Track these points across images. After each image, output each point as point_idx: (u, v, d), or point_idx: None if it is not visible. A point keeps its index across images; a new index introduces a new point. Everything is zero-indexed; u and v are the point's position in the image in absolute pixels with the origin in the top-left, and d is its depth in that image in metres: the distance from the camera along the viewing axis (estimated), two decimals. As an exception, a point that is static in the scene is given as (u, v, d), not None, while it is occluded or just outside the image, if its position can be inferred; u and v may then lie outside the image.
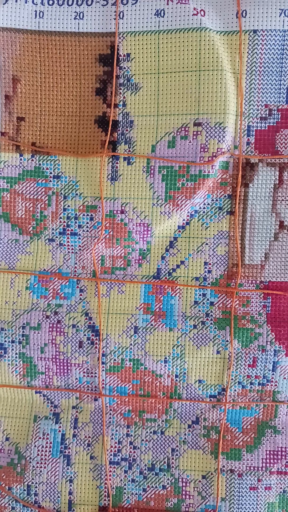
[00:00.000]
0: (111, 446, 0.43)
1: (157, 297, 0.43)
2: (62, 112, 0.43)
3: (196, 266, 0.43)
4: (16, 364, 0.44)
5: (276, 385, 0.42)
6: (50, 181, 0.43)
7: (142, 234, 0.42)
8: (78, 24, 0.41)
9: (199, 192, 0.41)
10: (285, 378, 0.42)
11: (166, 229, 0.43)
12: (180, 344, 0.43)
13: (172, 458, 0.43)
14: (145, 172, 0.42)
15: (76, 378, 0.43)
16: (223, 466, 0.42)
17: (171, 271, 0.43)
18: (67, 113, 0.43)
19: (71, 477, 0.43)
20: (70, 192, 0.43)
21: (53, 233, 0.43)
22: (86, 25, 0.41)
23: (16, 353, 0.44)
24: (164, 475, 0.42)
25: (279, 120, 0.41)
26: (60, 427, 0.43)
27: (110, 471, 0.43)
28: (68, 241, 0.43)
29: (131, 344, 0.43)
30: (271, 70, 0.40)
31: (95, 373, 0.43)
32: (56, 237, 0.43)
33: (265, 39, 0.40)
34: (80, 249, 0.43)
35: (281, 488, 0.42)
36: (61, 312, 0.43)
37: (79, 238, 0.43)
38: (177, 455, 0.43)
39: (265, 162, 0.41)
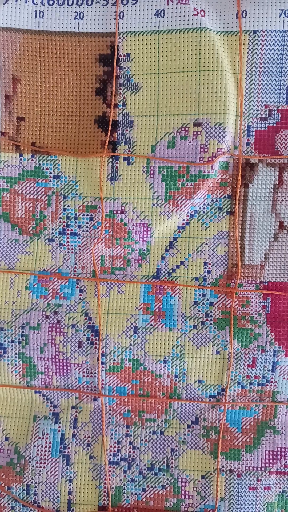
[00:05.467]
0: (111, 446, 0.43)
1: (156, 297, 0.43)
2: (62, 112, 0.43)
3: (195, 266, 0.43)
4: (15, 364, 0.44)
5: (275, 385, 0.42)
6: (50, 181, 0.43)
7: (142, 234, 0.43)
8: (78, 24, 0.41)
9: (199, 192, 0.41)
10: (284, 378, 0.42)
11: (166, 229, 0.43)
12: (180, 344, 0.43)
13: (172, 458, 0.43)
14: (145, 172, 0.42)
15: (76, 378, 0.43)
16: (223, 466, 0.42)
17: (170, 271, 0.43)
18: (67, 113, 0.43)
19: (70, 477, 0.43)
20: (70, 192, 0.43)
21: (53, 233, 0.43)
22: (86, 25, 0.41)
23: (15, 353, 0.44)
24: (164, 475, 0.43)
25: (279, 120, 0.41)
26: (59, 427, 0.43)
27: (110, 471, 0.43)
28: (68, 241, 0.43)
29: (130, 344, 0.43)
30: (271, 70, 0.40)
31: (95, 373, 0.43)
32: (56, 237, 0.43)
33: (265, 39, 0.40)
34: (80, 249, 0.43)
35: (280, 488, 0.42)
36: (60, 312, 0.43)
37: (79, 238, 0.43)
38: (176, 455, 0.43)
39: (265, 162, 0.41)
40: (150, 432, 0.43)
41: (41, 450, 0.43)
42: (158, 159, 0.41)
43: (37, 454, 0.43)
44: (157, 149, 0.41)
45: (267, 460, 0.42)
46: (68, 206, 0.43)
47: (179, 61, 0.40)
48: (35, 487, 0.43)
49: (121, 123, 0.42)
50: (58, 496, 0.43)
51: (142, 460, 0.43)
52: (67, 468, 0.43)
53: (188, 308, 0.43)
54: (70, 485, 0.43)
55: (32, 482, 0.43)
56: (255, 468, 0.42)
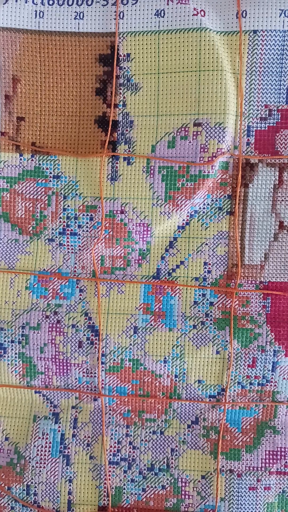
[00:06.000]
0: (111, 446, 0.43)
1: (156, 297, 0.43)
2: (62, 112, 0.43)
3: (195, 266, 0.43)
4: (15, 364, 0.44)
5: (275, 385, 0.42)
6: (50, 181, 0.43)
7: (142, 234, 0.43)
8: (78, 24, 0.41)
9: (199, 192, 0.41)
10: (284, 378, 0.42)
11: (166, 229, 0.43)
12: (180, 344, 0.43)
13: (172, 458, 0.43)
14: (145, 172, 0.42)
15: (76, 378, 0.43)
16: (223, 466, 0.42)
17: (170, 271, 0.43)
18: (67, 113, 0.43)
19: (70, 477, 0.43)
20: (70, 192, 0.43)
21: (53, 233, 0.43)
22: (86, 25, 0.41)
23: (15, 353, 0.44)
24: (164, 475, 0.42)
25: (279, 120, 0.41)
26: (59, 427, 0.43)
27: (110, 471, 0.43)
28: (68, 241, 0.43)
29: (130, 344, 0.43)
30: (271, 70, 0.40)
31: (95, 373, 0.43)
32: (56, 237, 0.43)
33: (265, 39, 0.40)
34: (79, 249, 0.43)
35: (280, 488, 0.42)
36: (60, 312, 0.43)
37: (79, 238, 0.43)
38: (176, 455, 0.43)
39: (265, 162, 0.41)
40: (150, 432, 0.43)
41: (41, 450, 0.43)
42: (158, 159, 0.41)
43: (37, 454, 0.43)
44: (157, 149, 0.41)
45: (267, 460, 0.42)
46: (68, 206, 0.43)
47: (179, 61, 0.40)
48: (35, 487, 0.43)
49: (121, 123, 0.42)
50: (58, 496, 0.43)
51: (142, 460, 0.43)
52: (67, 468, 0.43)
53: (188, 308, 0.43)
54: (70, 485, 0.43)
55: (32, 482, 0.43)
56: (255, 468, 0.42)
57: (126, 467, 0.43)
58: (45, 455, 0.43)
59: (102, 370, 0.43)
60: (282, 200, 0.42)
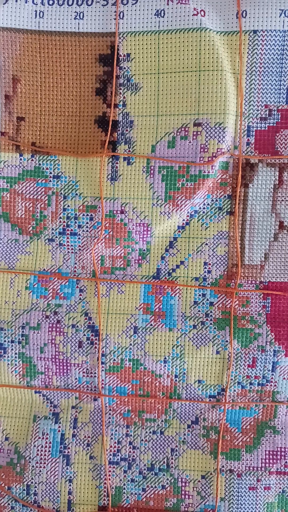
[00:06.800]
0: (111, 446, 0.43)
1: (156, 297, 0.43)
2: (62, 112, 0.43)
3: (195, 266, 0.43)
4: (15, 364, 0.44)
5: (275, 385, 0.42)
6: (50, 181, 0.43)
7: (142, 234, 0.43)
8: (78, 24, 0.41)
9: (199, 192, 0.41)
10: (284, 378, 0.42)
11: (166, 229, 0.43)
12: (180, 344, 0.43)
13: (172, 458, 0.43)
14: (145, 172, 0.42)
15: (76, 378, 0.43)
16: (223, 466, 0.42)
17: (170, 271, 0.43)
18: (67, 113, 0.43)
19: (70, 477, 0.43)
20: (70, 192, 0.43)
21: (53, 233, 0.43)
22: (86, 25, 0.41)
23: (15, 353, 0.44)
24: (164, 475, 0.43)
25: (279, 120, 0.41)
26: (59, 427, 0.43)
27: (110, 471, 0.43)
28: (68, 241, 0.43)
29: (130, 344, 0.43)
30: (271, 70, 0.40)
31: (95, 373, 0.43)
32: (56, 237, 0.43)
33: (265, 39, 0.40)
34: (79, 249, 0.43)
35: (280, 488, 0.42)
36: (60, 312, 0.43)
37: (79, 238, 0.43)
38: (176, 455, 0.43)
39: (265, 162, 0.41)
40: (150, 432, 0.43)
41: (41, 450, 0.43)
42: (158, 159, 0.41)
43: (37, 454, 0.43)
44: (157, 149, 0.41)
45: (267, 460, 0.42)
46: (68, 206, 0.43)
47: (179, 61, 0.40)
48: (35, 487, 0.43)
49: (121, 123, 0.42)
50: (58, 496, 0.43)
51: (142, 460, 0.43)
52: (67, 468, 0.43)
53: (188, 308, 0.43)
54: (70, 485, 0.43)
55: (32, 482, 0.43)
56: (255, 468, 0.42)
57: (126, 467, 0.43)
58: (45, 455, 0.43)
59: (102, 370, 0.43)
60: (282, 200, 0.42)
